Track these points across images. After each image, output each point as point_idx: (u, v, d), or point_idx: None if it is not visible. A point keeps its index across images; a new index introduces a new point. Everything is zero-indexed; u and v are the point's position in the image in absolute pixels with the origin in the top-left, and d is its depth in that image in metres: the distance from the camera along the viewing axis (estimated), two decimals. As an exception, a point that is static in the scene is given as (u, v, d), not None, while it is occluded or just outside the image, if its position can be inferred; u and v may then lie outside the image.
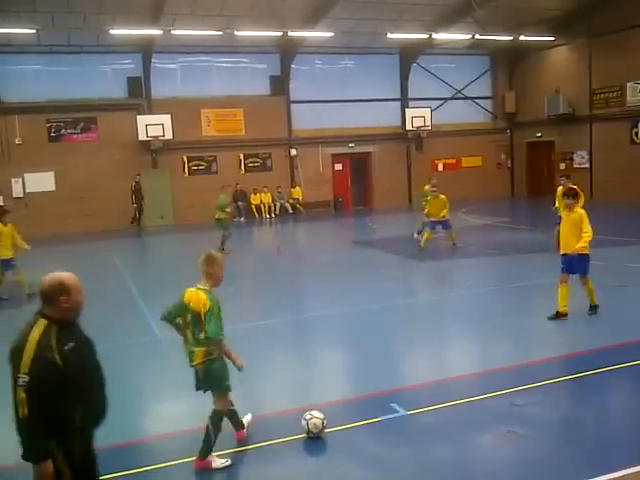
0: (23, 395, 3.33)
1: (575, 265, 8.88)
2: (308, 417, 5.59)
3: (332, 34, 23.10)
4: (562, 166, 27.67)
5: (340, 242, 19.53)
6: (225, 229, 17.09)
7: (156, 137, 23.72)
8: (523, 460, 5.10)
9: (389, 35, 23.66)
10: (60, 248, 19.19)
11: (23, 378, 3.34)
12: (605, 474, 4.75)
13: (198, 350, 5.15)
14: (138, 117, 23.73)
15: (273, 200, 26.63)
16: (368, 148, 28.31)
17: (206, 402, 5.38)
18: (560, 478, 4.87)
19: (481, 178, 29.32)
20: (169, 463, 5.30)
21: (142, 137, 23.64)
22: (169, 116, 23.75)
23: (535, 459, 5.10)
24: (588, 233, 8.72)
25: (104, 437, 3.96)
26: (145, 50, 23.97)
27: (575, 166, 26.15)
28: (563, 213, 9.20)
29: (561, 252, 9.11)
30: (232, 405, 5.52)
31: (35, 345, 3.39)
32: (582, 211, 8.86)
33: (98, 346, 3.75)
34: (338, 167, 28.22)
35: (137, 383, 7.53)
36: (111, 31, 20.28)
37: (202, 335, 5.07)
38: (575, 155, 27.32)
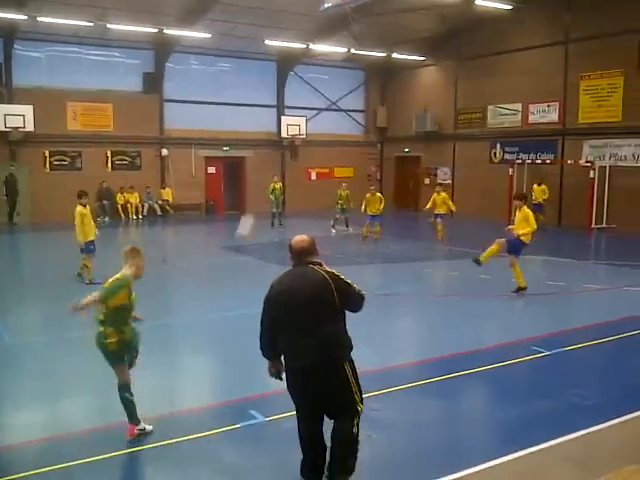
0: None
1: (511, 245, 11.26)
2: None
3: (209, 35, 22.83)
4: (427, 181, 29.03)
5: (209, 246, 19.25)
6: None
7: (16, 128, 22.27)
8: (378, 462, 5.20)
9: (267, 41, 23.75)
10: None
11: None
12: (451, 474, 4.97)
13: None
14: (-4, 106, 22.19)
15: (141, 200, 25.80)
16: (243, 153, 28.19)
17: (57, 410, 5.06)
18: (411, 479, 5.03)
19: (352, 188, 29.97)
20: (19, 475, 4.92)
21: (0, 127, 22.10)
22: (31, 107, 22.37)
23: (388, 462, 5.23)
24: (531, 226, 11.11)
25: None
26: (7, 35, 22.47)
27: (439, 181, 27.41)
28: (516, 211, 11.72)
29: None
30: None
31: None
32: (527, 210, 11.32)
33: None
34: (211, 170, 27.85)
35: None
36: (-32, 11, 18.86)
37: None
38: (439, 171, 28.73)
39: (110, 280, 5.63)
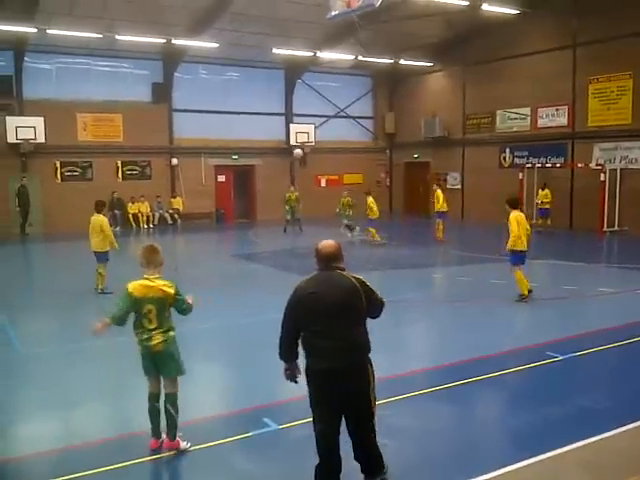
0: None
1: (510, 258, 11.29)
2: None
3: (217, 45, 22.95)
4: (435, 187, 28.89)
5: (219, 255, 19.31)
6: None
7: (27, 140, 22.47)
8: (391, 469, 5.19)
9: (274, 50, 23.85)
10: None
11: None
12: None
13: (162, 333, 5.45)
14: (7, 118, 22.38)
15: (151, 210, 25.93)
16: (252, 161, 28.28)
17: (71, 420, 5.09)
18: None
19: (362, 195, 30.01)
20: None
21: (11, 139, 22.31)
22: (42, 119, 22.58)
23: (401, 468, 5.23)
24: (513, 234, 10.93)
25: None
26: (17, 48, 22.71)
27: (448, 187, 27.41)
28: None
29: None
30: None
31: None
32: (511, 216, 11.01)
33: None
34: (221, 178, 27.96)
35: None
36: (-21, 25, 19.05)
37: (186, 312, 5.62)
38: (449, 176, 28.69)
39: (173, 285, 5.55)
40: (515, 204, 11.36)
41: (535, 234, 20.95)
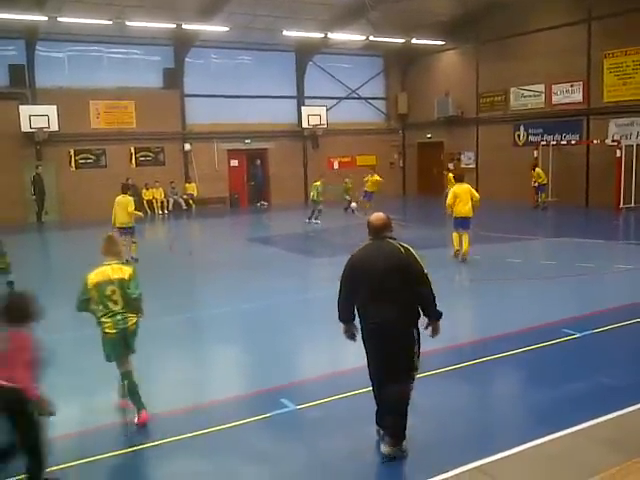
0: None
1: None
2: None
3: (228, 29, 22.83)
4: (450, 166, 28.76)
5: (235, 239, 19.37)
6: None
7: (41, 129, 22.57)
8: (412, 447, 5.22)
9: (285, 32, 23.68)
10: None
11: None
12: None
13: (131, 313, 5.81)
14: (21, 107, 22.46)
15: (166, 195, 26.02)
16: (264, 145, 28.23)
17: (90, 405, 5.15)
18: (446, 461, 5.03)
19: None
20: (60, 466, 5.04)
21: (25, 128, 22.42)
22: (55, 107, 22.62)
23: (422, 446, 5.26)
24: (447, 203, 13.17)
25: None
26: (29, 37, 22.72)
27: (462, 166, 27.22)
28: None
29: None
30: None
31: None
32: (452, 189, 13.47)
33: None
34: (234, 163, 27.96)
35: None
36: (-10, 15, 19.08)
37: (134, 295, 5.78)
38: (463, 155, 28.50)
39: (131, 268, 6.00)
40: (460, 179, 13.65)
41: (542, 210, 22.27)
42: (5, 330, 4.55)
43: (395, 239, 5.24)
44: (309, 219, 20.81)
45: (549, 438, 5.24)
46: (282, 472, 5.04)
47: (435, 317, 5.20)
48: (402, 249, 5.11)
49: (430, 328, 5.24)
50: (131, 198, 14.33)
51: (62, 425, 5.93)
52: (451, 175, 20.14)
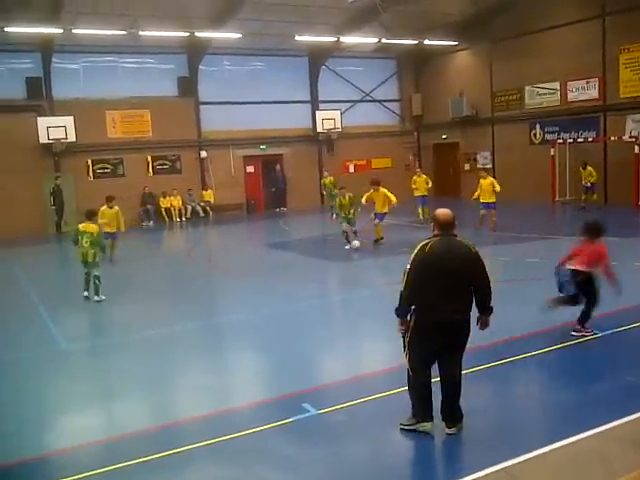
0: None
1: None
2: None
3: (240, 35, 22.94)
4: (466, 166, 28.70)
5: (253, 245, 19.43)
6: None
7: (58, 140, 22.82)
8: (439, 448, 5.20)
9: (297, 37, 23.75)
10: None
11: None
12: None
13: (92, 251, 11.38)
14: (39, 119, 22.73)
15: (183, 203, 26.17)
16: (280, 150, 28.31)
17: (115, 412, 5.19)
18: (471, 463, 5.01)
19: (391, 179, 29.72)
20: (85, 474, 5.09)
21: (43, 140, 22.68)
22: (72, 118, 22.84)
23: (446, 447, 5.24)
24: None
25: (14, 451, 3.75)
26: (45, 49, 22.99)
27: (479, 166, 27.06)
28: None
29: None
30: None
31: None
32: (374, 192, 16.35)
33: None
34: (250, 169, 28.06)
35: (46, 394, 7.19)
36: (6, 29, 19.30)
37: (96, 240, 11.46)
38: (478, 156, 28.36)
39: (97, 227, 10.57)
40: (377, 182, 16.30)
41: (580, 210, 21.23)
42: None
43: (457, 236, 5.39)
44: (347, 243, 15.99)
45: (574, 439, 5.18)
46: (307, 477, 5.05)
47: (489, 313, 5.54)
48: (472, 248, 5.34)
49: (481, 322, 5.59)
50: (116, 209, 15.73)
51: (89, 432, 5.97)
52: (485, 181, 17.84)
